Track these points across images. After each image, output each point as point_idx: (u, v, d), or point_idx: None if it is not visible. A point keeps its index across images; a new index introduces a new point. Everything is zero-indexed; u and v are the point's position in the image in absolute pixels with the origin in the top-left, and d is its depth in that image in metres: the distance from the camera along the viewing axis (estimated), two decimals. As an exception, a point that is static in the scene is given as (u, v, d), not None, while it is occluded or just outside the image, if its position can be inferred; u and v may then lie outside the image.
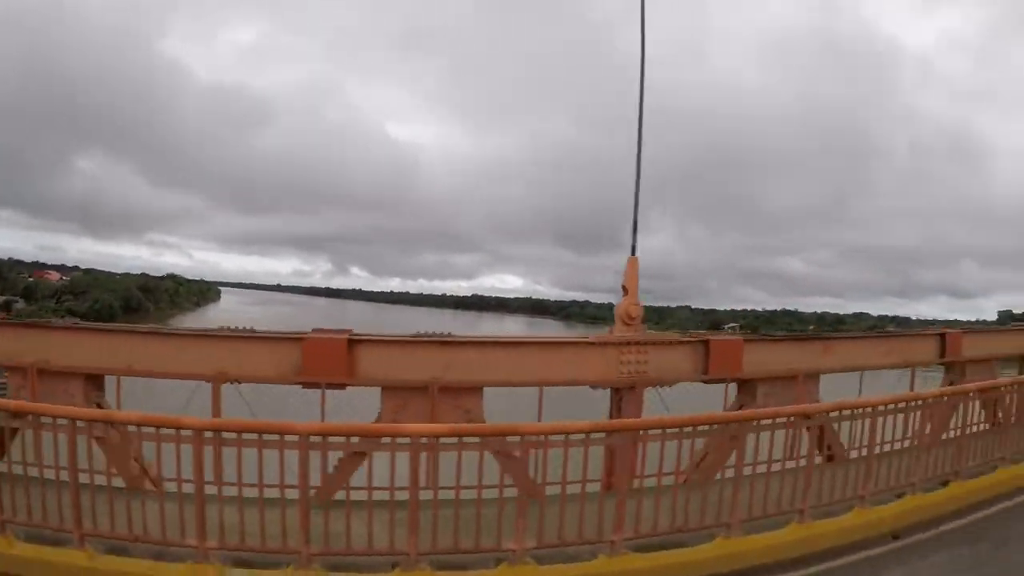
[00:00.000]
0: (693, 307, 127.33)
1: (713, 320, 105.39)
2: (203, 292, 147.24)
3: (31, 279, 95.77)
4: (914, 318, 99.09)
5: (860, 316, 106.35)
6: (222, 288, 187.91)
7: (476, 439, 5.89)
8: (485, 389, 8.87)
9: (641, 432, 6.38)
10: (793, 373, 10.05)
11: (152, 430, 5.58)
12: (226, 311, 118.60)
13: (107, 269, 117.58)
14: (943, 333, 12.01)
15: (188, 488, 5.69)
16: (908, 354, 11.50)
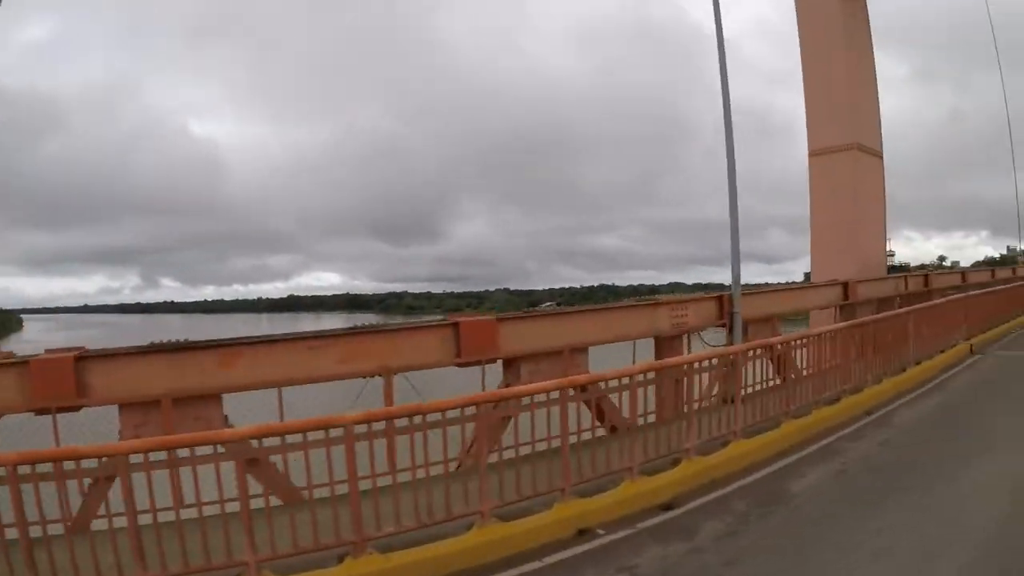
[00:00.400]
0: (511, 289, 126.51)
1: (531, 300, 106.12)
2: (1, 323, 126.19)
3: None
4: (727, 283, 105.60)
5: (676, 286, 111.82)
6: (25, 316, 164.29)
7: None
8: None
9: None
10: (154, 397, 6.99)
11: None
12: (30, 341, 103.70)
13: None
14: (456, 322, 8.46)
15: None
16: (388, 356, 7.83)
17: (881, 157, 18.02)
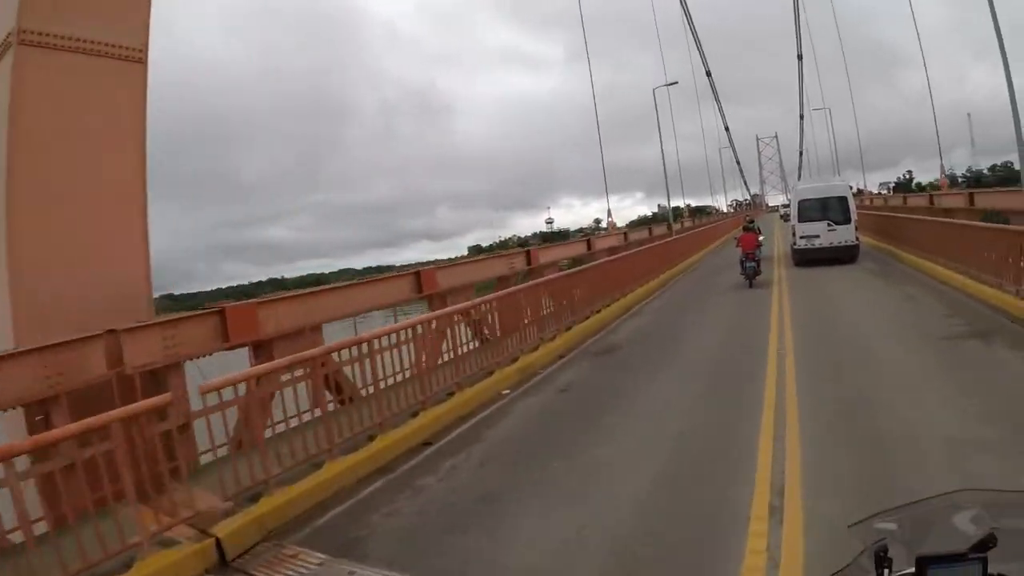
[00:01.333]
0: (176, 294, 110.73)
1: (193, 304, 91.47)
2: None
3: None
4: (398, 264, 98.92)
5: (345, 271, 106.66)
6: None
7: None
8: None
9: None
10: None
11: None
12: None
13: None
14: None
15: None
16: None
17: (143, 64, 8.31)
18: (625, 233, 25.65)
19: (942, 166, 23.06)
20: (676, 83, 34.20)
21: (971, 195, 18.91)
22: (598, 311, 15.57)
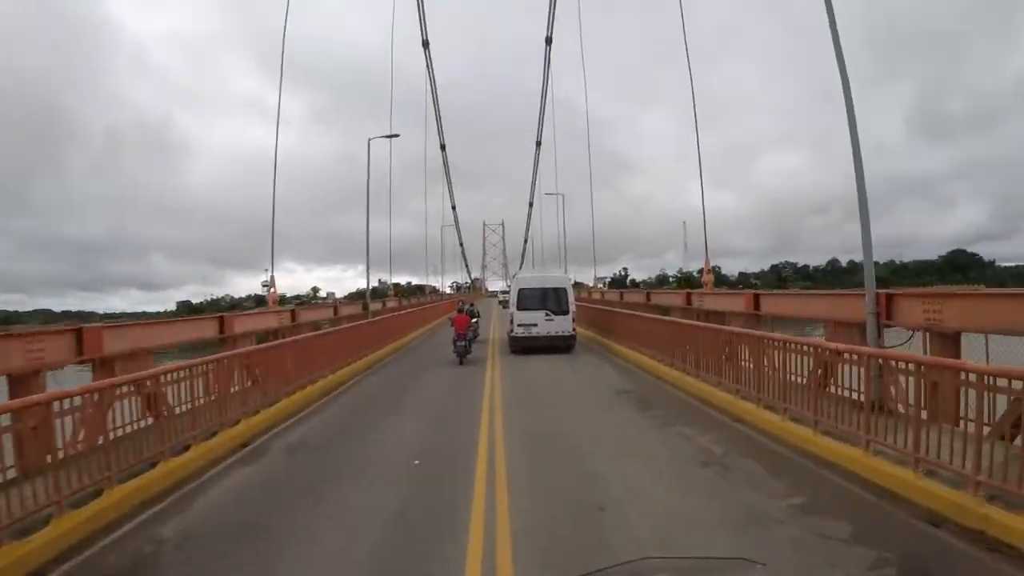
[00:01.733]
0: None
1: None
2: None
3: None
4: (102, 312, 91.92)
5: (40, 312, 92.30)
6: None
7: None
8: None
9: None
10: None
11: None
12: None
13: None
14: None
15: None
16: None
17: None
18: (293, 311, 18.66)
19: (707, 259, 20.40)
20: (398, 135, 29.07)
21: (756, 296, 15.37)
22: (185, 448, 8.62)
